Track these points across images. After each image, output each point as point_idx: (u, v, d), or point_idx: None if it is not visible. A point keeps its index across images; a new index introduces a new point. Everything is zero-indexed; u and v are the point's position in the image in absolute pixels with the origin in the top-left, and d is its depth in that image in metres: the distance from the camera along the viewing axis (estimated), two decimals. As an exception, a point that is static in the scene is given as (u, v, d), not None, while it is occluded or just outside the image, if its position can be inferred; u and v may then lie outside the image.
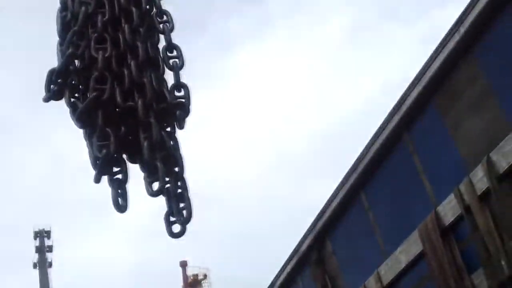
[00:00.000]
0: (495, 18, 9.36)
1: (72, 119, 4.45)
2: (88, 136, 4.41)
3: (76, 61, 4.57)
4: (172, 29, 4.93)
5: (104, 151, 4.26)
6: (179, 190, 4.47)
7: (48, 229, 64.78)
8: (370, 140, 12.07)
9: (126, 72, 4.50)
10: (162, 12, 4.97)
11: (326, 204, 13.87)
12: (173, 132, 4.65)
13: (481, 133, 9.69)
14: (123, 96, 4.41)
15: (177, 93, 4.65)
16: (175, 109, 4.60)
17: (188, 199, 4.44)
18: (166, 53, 4.81)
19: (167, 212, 4.47)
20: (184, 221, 4.39)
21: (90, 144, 4.38)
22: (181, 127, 4.65)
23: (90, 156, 4.39)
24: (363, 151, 12.31)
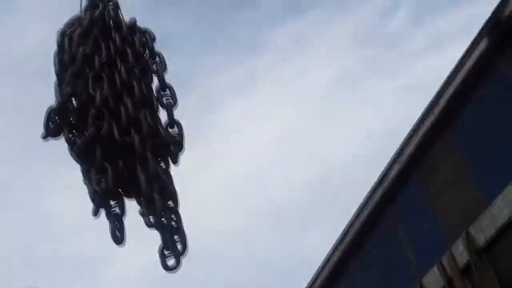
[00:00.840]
0: (469, 97, 9.93)
1: (71, 155, 4.69)
2: (86, 171, 4.63)
3: (73, 100, 4.87)
4: (165, 69, 5.27)
5: (103, 184, 4.49)
6: (174, 224, 4.64)
7: (35, 291, 63.68)
8: (355, 213, 12.50)
9: (122, 109, 4.76)
10: (154, 54, 5.34)
11: (316, 273, 14.17)
12: (167, 168, 4.93)
13: (460, 207, 10.12)
14: (120, 132, 4.66)
15: (170, 130, 4.97)
16: (170, 145, 4.87)
17: (183, 231, 4.60)
18: (160, 92, 5.13)
19: (161, 246, 4.65)
20: (179, 254, 4.59)
21: (89, 178, 4.59)
22: (175, 162, 4.90)
23: (88, 190, 4.58)
24: (348, 224, 12.72)
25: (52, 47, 5.19)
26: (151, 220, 4.55)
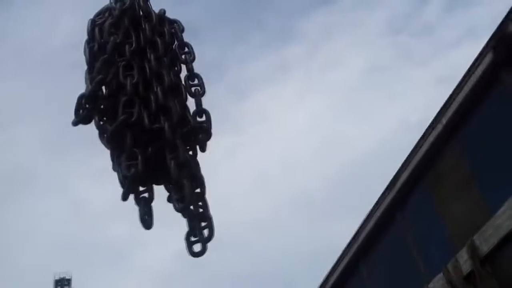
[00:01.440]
0: (475, 109, 10.12)
1: (101, 141, 4.75)
2: (117, 157, 4.66)
3: (103, 88, 4.89)
4: (193, 59, 5.30)
5: (133, 170, 4.47)
6: (201, 210, 4.65)
7: (69, 277, 64.54)
8: (366, 219, 12.77)
9: (152, 96, 4.81)
10: (183, 44, 5.38)
11: (328, 274, 14.50)
12: (195, 155, 4.90)
13: (465, 216, 10.34)
14: (150, 119, 4.71)
15: (198, 119, 4.98)
16: (198, 133, 4.91)
17: (210, 218, 4.61)
18: (188, 81, 5.16)
19: (188, 232, 4.63)
20: (206, 240, 4.56)
21: (119, 164, 4.60)
22: (203, 149, 4.93)
23: (118, 176, 4.62)
24: (358, 229, 13.01)
25: (83, 38, 5.31)
26: (179, 206, 4.59)
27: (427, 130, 10.88)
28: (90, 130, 4.82)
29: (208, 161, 5.02)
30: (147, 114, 4.73)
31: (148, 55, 5.09)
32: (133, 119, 4.65)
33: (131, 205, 4.65)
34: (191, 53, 5.35)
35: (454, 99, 10.20)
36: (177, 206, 4.61)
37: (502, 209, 9.30)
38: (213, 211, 4.70)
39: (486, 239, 9.57)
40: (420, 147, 11.09)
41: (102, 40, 5.09)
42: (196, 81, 5.20)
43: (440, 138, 10.68)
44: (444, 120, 10.52)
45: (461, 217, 10.45)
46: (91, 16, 5.43)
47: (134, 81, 4.84)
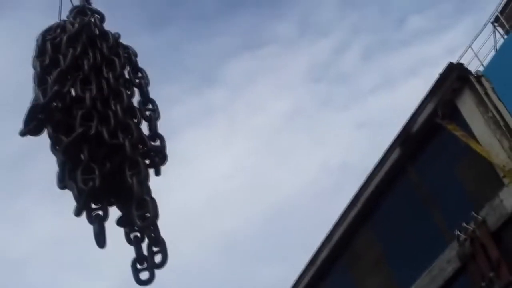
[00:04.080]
0: (386, 196, 11.24)
1: (54, 153, 4.59)
2: (70, 170, 4.50)
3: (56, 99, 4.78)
4: (148, 84, 5.28)
5: (90, 183, 4.35)
6: (153, 234, 4.44)
7: None
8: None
9: (111, 113, 4.74)
10: (137, 69, 5.37)
11: None
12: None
13: (379, 291, 11.36)
14: (110, 134, 4.62)
15: (153, 143, 4.93)
16: (154, 155, 4.85)
17: (163, 242, 4.43)
18: (143, 106, 5.12)
19: (135, 259, 4.46)
20: (157, 266, 4.39)
21: (73, 178, 4.45)
22: (158, 173, 4.84)
23: (73, 190, 4.44)
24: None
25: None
26: (141, 224, 4.43)
27: (343, 213, 11.92)
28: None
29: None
30: (106, 129, 4.67)
31: (105, 73, 5.10)
32: (92, 132, 4.59)
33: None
34: (145, 78, 5.38)
35: (366, 188, 11.30)
36: (139, 223, 4.44)
37: (411, 288, 10.35)
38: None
39: (398, 315, 10.57)
40: (338, 228, 12.11)
41: (57, 54, 5.07)
42: (150, 106, 5.21)
43: (355, 220, 11.74)
44: (359, 204, 11.59)
45: (376, 292, 11.45)
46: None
47: (93, 95, 4.80)
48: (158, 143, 4.99)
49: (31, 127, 4.67)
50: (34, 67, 5.12)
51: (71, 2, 5.75)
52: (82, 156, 4.59)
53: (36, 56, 5.21)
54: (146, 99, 5.24)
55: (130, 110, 5.01)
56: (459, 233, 9.07)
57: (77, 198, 4.47)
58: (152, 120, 5.12)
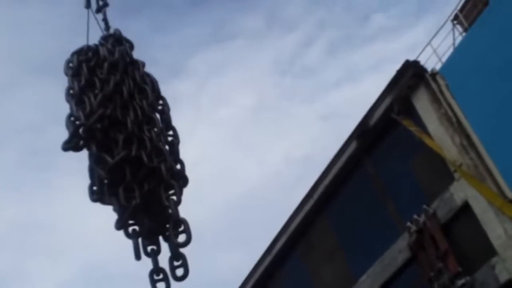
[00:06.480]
0: (341, 189, 11.52)
1: (96, 168, 4.96)
2: (110, 186, 4.85)
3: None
4: (169, 110, 5.65)
5: (133, 201, 4.74)
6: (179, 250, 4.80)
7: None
8: (245, 280, 13.90)
9: (146, 137, 5.12)
10: (159, 96, 5.69)
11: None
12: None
13: (334, 282, 11.63)
14: (148, 157, 4.98)
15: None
16: (179, 179, 5.15)
17: (185, 257, 4.78)
18: (165, 131, 5.46)
19: (152, 270, 4.78)
20: (179, 278, 4.72)
21: (114, 194, 4.80)
22: (180, 199, 5.07)
23: (114, 205, 4.85)
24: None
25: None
26: (179, 243, 4.80)
27: (301, 203, 12.17)
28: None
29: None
30: (144, 153, 5.02)
31: (138, 100, 5.45)
32: (132, 155, 4.96)
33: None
34: (167, 105, 5.70)
35: (323, 179, 11.57)
36: (175, 241, 4.79)
37: (363, 277, 10.66)
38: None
39: (350, 304, 10.88)
40: (295, 218, 12.36)
41: (93, 77, 5.46)
42: (171, 132, 5.53)
43: (311, 211, 12.00)
44: (315, 196, 11.85)
45: (330, 283, 11.73)
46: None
47: (133, 119, 5.19)
48: (178, 166, 5.30)
49: (74, 144, 5.00)
50: (71, 85, 5.48)
51: (98, 24, 6.30)
52: (122, 176, 4.92)
53: (72, 75, 5.57)
54: (168, 125, 5.57)
55: (159, 135, 5.37)
56: (410, 224, 9.39)
57: (120, 214, 4.86)
58: (175, 146, 5.44)
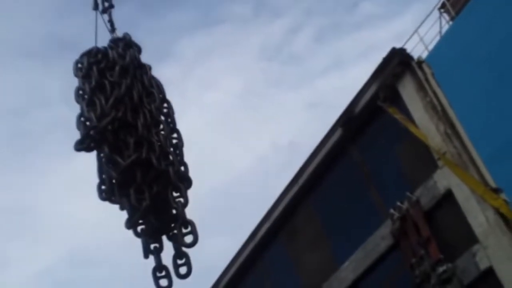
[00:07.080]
0: (326, 175, 11.55)
1: (108, 169, 5.08)
2: (120, 187, 5.01)
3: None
4: (173, 113, 5.76)
5: (144, 203, 4.91)
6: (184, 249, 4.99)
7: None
8: (227, 266, 13.96)
9: (154, 140, 5.27)
10: (165, 100, 5.82)
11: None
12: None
13: (316, 267, 11.69)
14: (158, 160, 5.14)
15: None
16: (183, 180, 5.29)
17: (188, 256, 4.99)
18: (170, 134, 5.61)
19: (155, 267, 4.97)
20: (182, 276, 4.92)
21: (125, 195, 4.97)
22: (186, 201, 5.21)
23: (124, 205, 5.00)
24: (220, 274, 14.16)
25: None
26: (186, 243, 4.98)
27: (285, 189, 12.19)
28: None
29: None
30: (154, 156, 5.20)
31: (146, 103, 5.61)
32: (143, 157, 5.13)
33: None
34: (171, 108, 5.87)
35: (308, 166, 11.59)
36: (184, 242, 5.00)
37: (346, 263, 10.72)
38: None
39: (332, 289, 10.95)
40: (279, 204, 12.39)
41: (103, 79, 5.58)
42: (175, 135, 5.71)
43: (296, 197, 12.03)
44: (300, 182, 11.87)
45: (313, 267, 11.79)
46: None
47: (143, 123, 5.36)
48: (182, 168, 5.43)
49: (86, 145, 5.16)
50: (81, 86, 5.62)
51: (106, 26, 6.46)
52: (132, 177, 5.05)
53: (82, 76, 5.70)
54: (173, 128, 5.72)
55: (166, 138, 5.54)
56: (393, 211, 9.44)
57: (130, 214, 5.00)
58: (179, 148, 5.58)
